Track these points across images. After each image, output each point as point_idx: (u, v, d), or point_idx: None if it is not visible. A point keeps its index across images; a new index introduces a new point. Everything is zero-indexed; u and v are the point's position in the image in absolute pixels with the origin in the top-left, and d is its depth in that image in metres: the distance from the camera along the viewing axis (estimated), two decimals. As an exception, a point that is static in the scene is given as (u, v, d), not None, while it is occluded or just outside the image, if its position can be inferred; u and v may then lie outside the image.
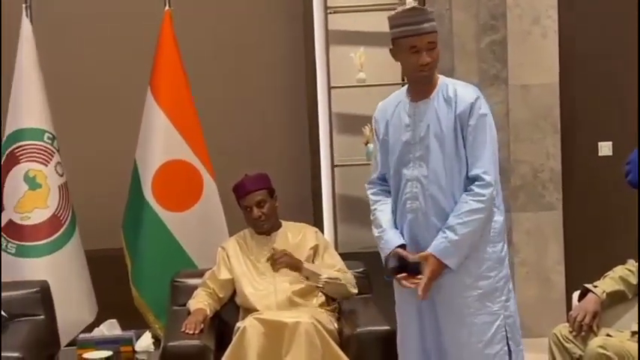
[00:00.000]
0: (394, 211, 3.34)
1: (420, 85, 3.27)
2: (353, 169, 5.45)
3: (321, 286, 3.90)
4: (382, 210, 3.35)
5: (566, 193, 5.12)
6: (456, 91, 3.24)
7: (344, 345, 3.72)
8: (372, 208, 3.39)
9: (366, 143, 5.24)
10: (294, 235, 4.04)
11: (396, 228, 3.31)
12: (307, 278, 3.91)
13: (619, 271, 3.69)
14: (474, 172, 3.21)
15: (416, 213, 3.25)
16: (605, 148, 5.17)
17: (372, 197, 3.41)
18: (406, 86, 3.39)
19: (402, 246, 3.25)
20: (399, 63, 3.31)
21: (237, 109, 5.27)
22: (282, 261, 3.87)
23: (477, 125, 3.22)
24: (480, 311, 3.24)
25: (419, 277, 3.19)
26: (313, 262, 4.00)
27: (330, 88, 5.22)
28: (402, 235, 3.29)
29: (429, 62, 3.19)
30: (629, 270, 3.68)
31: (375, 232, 3.35)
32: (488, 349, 3.25)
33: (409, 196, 3.26)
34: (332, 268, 3.99)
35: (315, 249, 4.02)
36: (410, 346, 3.33)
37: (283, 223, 4.09)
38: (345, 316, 3.92)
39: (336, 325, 3.84)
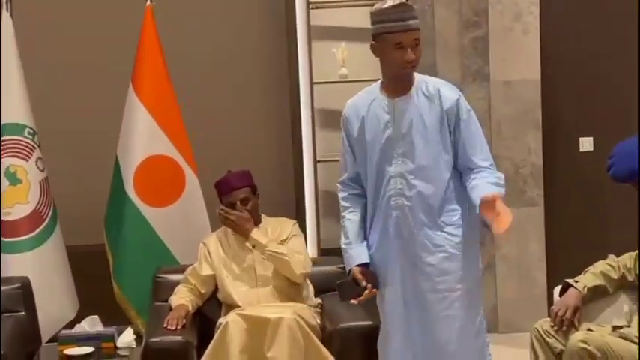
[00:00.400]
0: (372, 212, 3.33)
1: (399, 82, 3.26)
2: (336, 165, 5.41)
3: (264, 257, 3.90)
4: (351, 219, 3.37)
5: (548, 188, 5.15)
6: (439, 88, 3.26)
7: (326, 340, 3.72)
8: (342, 214, 3.41)
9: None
10: (273, 230, 4.02)
11: (365, 238, 3.35)
12: (254, 246, 3.92)
13: (600, 266, 3.71)
14: (481, 164, 3.25)
15: (402, 209, 3.25)
16: (586, 144, 5.20)
17: (342, 203, 3.41)
18: (377, 83, 3.37)
19: (366, 264, 3.31)
20: (379, 58, 3.29)
21: (219, 105, 5.26)
22: (227, 219, 3.89)
23: (469, 120, 3.26)
24: (468, 303, 3.27)
25: (373, 290, 3.26)
26: None
27: (312, 83, 5.21)
28: (388, 229, 3.28)
29: (413, 59, 3.19)
30: (610, 265, 3.70)
31: (343, 241, 3.38)
32: (476, 340, 3.29)
33: (393, 192, 3.26)
34: (289, 250, 3.94)
35: (286, 239, 4.01)
36: (395, 342, 3.33)
37: (264, 218, 4.08)
38: (328, 312, 3.92)
39: (318, 320, 3.84)
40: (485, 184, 3.17)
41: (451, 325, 3.24)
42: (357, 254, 3.32)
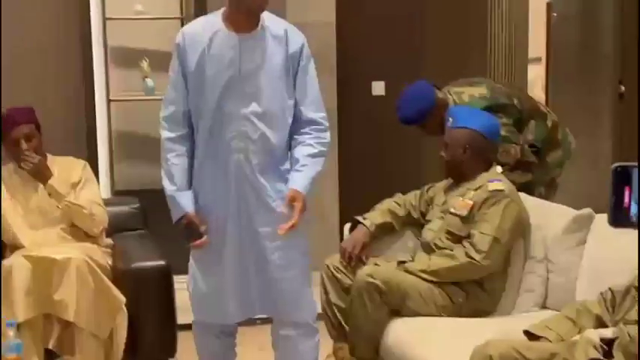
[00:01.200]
0: (204, 154, 3.16)
1: (248, 18, 3.10)
2: (130, 105, 5.32)
3: (61, 207, 3.76)
4: (178, 164, 3.16)
5: (342, 131, 5.26)
6: (286, 30, 3.15)
7: (118, 281, 3.64)
8: (166, 156, 3.17)
9: (145, 78, 5.12)
10: (60, 169, 3.85)
11: (190, 184, 3.19)
12: (50, 195, 3.76)
13: (387, 203, 3.83)
14: (310, 115, 3.18)
15: (245, 152, 3.12)
16: (378, 88, 5.35)
17: (166, 144, 3.17)
18: (217, 16, 3.17)
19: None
20: None
21: (5, 40, 4.97)
22: (29, 162, 3.71)
23: (308, 67, 3.18)
24: (304, 250, 3.28)
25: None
26: None
27: (105, 19, 5.03)
28: (226, 172, 3.15)
29: None
30: (397, 203, 3.83)
31: (167, 186, 3.17)
32: (309, 286, 3.32)
33: (236, 134, 3.10)
34: (88, 202, 3.82)
35: (78, 182, 3.88)
36: (230, 288, 3.21)
37: (49, 157, 3.90)
38: (120, 252, 3.84)
39: (109, 260, 3.75)
40: (302, 174, 3.13)
41: (291, 272, 3.21)
42: (187, 202, 3.15)
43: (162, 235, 4.12)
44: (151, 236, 4.11)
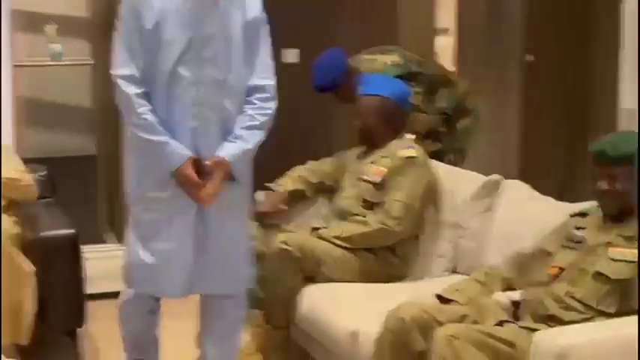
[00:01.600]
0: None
1: None
2: (36, 70, 5.18)
3: None
4: (153, 117, 2.99)
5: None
6: None
7: (26, 250, 3.56)
8: (138, 110, 2.97)
9: (50, 43, 4.98)
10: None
11: None
12: None
13: (298, 171, 3.85)
14: (258, 82, 3.09)
15: (202, 120, 3.01)
16: (291, 55, 5.33)
17: (135, 98, 2.98)
18: None
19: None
20: None
21: None
22: None
23: (264, 34, 3.11)
24: (248, 220, 3.25)
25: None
26: None
27: (8, -19, 4.87)
28: (181, 140, 3.01)
29: None
30: (309, 170, 3.85)
31: (154, 137, 2.97)
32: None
33: (194, 101, 3.00)
34: (19, 173, 3.75)
35: None
36: (181, 258, 3.06)
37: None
38: (28, 220, 3.74)
39: (17, 229, 3.66)
40: (234, 145, 3.03)
41: (235, 243, 3.13)
42: (181, 148, 2.98)
43: (70, 204, 4.06)
44: (59, 205, 4.02)
